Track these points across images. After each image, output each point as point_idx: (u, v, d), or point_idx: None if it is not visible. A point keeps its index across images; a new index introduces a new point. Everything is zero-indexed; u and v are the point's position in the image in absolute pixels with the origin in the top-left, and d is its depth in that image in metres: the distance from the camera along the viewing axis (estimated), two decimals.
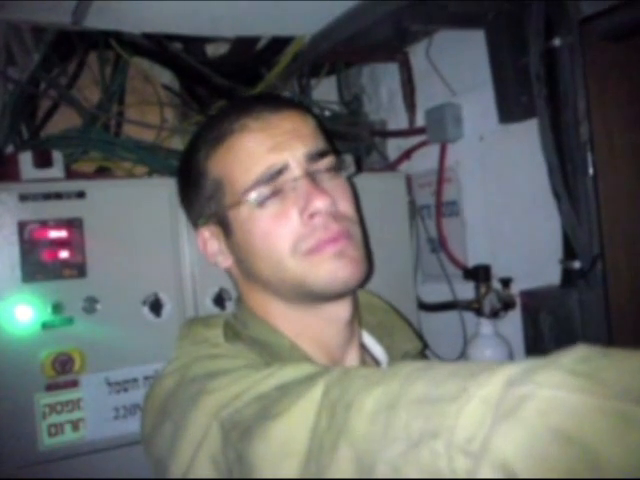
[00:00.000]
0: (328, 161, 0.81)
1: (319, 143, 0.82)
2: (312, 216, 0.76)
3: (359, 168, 0.87)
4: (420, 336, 1.00)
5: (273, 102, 0.85)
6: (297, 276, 0.78)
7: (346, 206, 0.81)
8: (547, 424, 0.38)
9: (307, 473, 0.54)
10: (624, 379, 0.38)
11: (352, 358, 0.87)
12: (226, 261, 0.86)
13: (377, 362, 0.91)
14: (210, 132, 0.84)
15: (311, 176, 0.78)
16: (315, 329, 0.83)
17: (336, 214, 0.78)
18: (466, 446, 0.41)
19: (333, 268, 0.76)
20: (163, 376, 0.77)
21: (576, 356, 0.41)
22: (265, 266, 0.80)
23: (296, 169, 0.78)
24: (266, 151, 0.78)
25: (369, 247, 0.87)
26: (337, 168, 0.83)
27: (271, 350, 0.79)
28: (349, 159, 0.85)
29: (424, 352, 1.04)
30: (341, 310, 0.83)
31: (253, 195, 0.78)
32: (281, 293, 0.81)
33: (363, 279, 0.80)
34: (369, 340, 0.93)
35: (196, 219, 0.87)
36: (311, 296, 0.79)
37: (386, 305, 1.01)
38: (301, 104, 0.87)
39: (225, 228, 0.83)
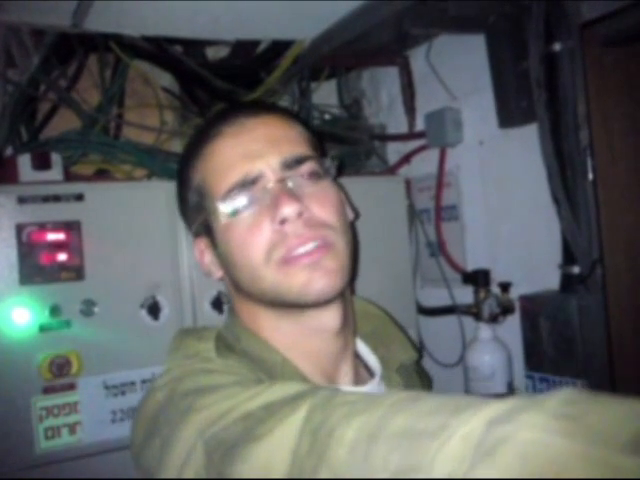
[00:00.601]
0: (308, 167, 0.79)
1: (298, 149, 0.80)
2: (283, 223, 0.75)
3: (340, 171, 0.86)
4: (415, 345, 0.99)
5: (252, 107, 0.84)
6: (271, 286, 0.77)
7: (325, 212, 0.78)
8: (526, 468, 0.37)
9: None
10: (610, 425, 0.37)
11: (345, 371, 0.85)
12: (218, 272, 0.86)
13: (371, 372, 0.90)
14: (193, 141, 0.85)
15: (283, 182, 0.77)
16: (305, 340, 0.82)
17: (311, 221, 0.76)
18: None
19: (306, 280, 0.75)
20: (154, 389, 0.76)
21: (562, 398, 0.40)
22: (244, 276, 0.79)
23: (270, 177, 0.77)
24: (240, 158, 0.78)
25: (356, 254, 0.85)
26: (320, 174, 0.81)
27: (263, 365, 0.78)
28: (328, 162, 0.83)
29: (419, 362, 1.02)
30: (329, 319, 0.81)
31: (228, 204, 0.77)
32: (265, 303, 0.80)
33: (342, 289, 0.79)
34: (363, 349, 0.92)
35: (190, 227, 0.88)
36: (289, 305, 0.78)
37: (382, 313, 0.99)
38: (285, 109, 0.87)
39: (211, 238, 0.83)
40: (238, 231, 0.77)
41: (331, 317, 0.81)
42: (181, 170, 0.87)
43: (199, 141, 0.83)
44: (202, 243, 0.86)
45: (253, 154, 0.77)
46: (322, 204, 0.78)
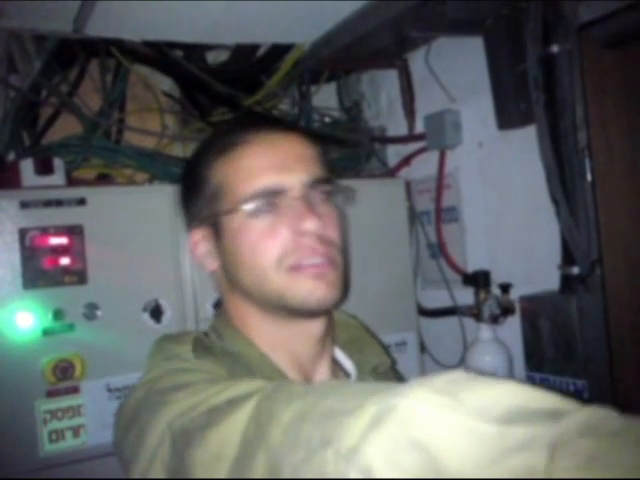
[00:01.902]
0: (325, 189, 0.86)
1: (319, 170, 0.86)
2: (301, 235, 0.81)
3: (350, 197, 0.95)
4: (389, 352, 1.09)
5: (282, 124, 0.91)
6: (277, 290, 0.82)
7: (333, 233, 0.86)
8: (405, 432, 0.44)
9: (233, 478, 0.59)
10: (482, 402, 0.43)
11: (322, 371, 0.91)
12: (213, 264, 0.89)
13: (347, 375, 0.96)
14: (217, 141, 0.89)
15: (307, 199, 0.83)
16: (288, 342, 0.87)
17: (323, 237, 0.83)
18: (346, 453, 0.46)
19: (311, 287, 0.81)
20: (134, 388, 0.81)
21: (447, 378, 0.47)
22: (248, 276, 0.84)
23: (295, 191, 0.82)
24: (270, 167, 0.83)
25: (348, 274, 0.93)
26: (330, 195, 0.88)
27: (242, 361, 0.83)
28: (344, 188, 0.91)
29: (394, 367, 1.09)
30: (314, 328, 0.88)
31: (250, 206, 0.82)
32: (260, 304, 0.85)
33: (337, 302, 0.85)
34: (340, 355, 0.97)
35: (191, 221, 0.91)
36: (287, 311, 0.84)
37: (358, 323, 1.05)
38: (307, 131, 0.94)
39: (217, 231, 0.86)
40: (253, 233, 0.82)
41: (316, 327, 0.88)
42: (196, 165, 0.90)
43: (224, 143, 0.87)
44: (199, 234, 0.89)
45: (284, 167, 0.83)
46: (331, 225, 0.86)
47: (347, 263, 0.90)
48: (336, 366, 0.95)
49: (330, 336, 0.93)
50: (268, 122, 0.91)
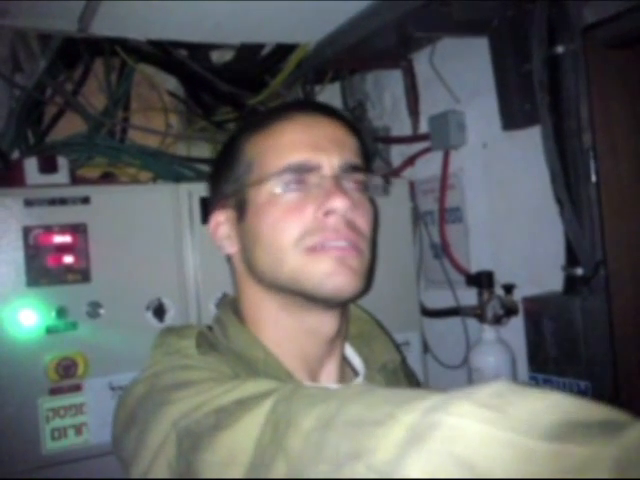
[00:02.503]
0: (359, 177, 0.84)
1: (354, 158, 0.84)
2: (327, 214, 0.78)
3: (384, 191, 0.92)
4: (398, 348, 1.04)
5: (325, 108, 0.89)
6: (292, 271, 0.79)
7: (363, 222, 0.82)
8: (449, 450, 0.40)
9: None
10: (531, 416, 0.40)
11: (329, 372, 0.88)
12: (232, 247, 0.87)
13: (356, 373, 0.93)
14: (257, 119, 0.88)
15: (338, 179, 0.80)
16: (298, 338, 0.84)
17: (351, 223, 0.80)
18: (382, 468, 0.43)
19: (330, 271, 0.77)
20: (135, 383, 0.78)
21: (491, 391, 0.44)
22: (265, 256, 0.81)
23: (328, 171, 0.80)
24: (305, 146, 0.81)
25: (373, 268, 0.88)
26: (365, 187, 0.85)
27: (246, 361, 0.80)
28: (377, 179, 0.88)
29: (405, 363, 1.05)
30: (326, 324, 0.84)
31: (278, 180, 0.80)
32: (274, 290, 0.82)
33: (356, 294, 0.81)
34: (350, 351, 0.95)
35: (218, 199, 0.89)
36: (302, 296, 0.80)
37: (368, 316, 1.02)
38: (351, 121, 0.92)
39: (240, 212, 0.84)
40: (278, 208, 0.80)
41: (330, 322, 0.84)
42: (233, 142, 0.89)
43: (261, 120, 0.86)
44: (222, 216, 0.87)
45: (318, 146, 0.81)
46: (361, 213, 0.83)
47: (373, 258, 0.86)
48: (344, 363, 0.93)
49: (342, 336, 0.90)
50: (314, 104, 0.88)
